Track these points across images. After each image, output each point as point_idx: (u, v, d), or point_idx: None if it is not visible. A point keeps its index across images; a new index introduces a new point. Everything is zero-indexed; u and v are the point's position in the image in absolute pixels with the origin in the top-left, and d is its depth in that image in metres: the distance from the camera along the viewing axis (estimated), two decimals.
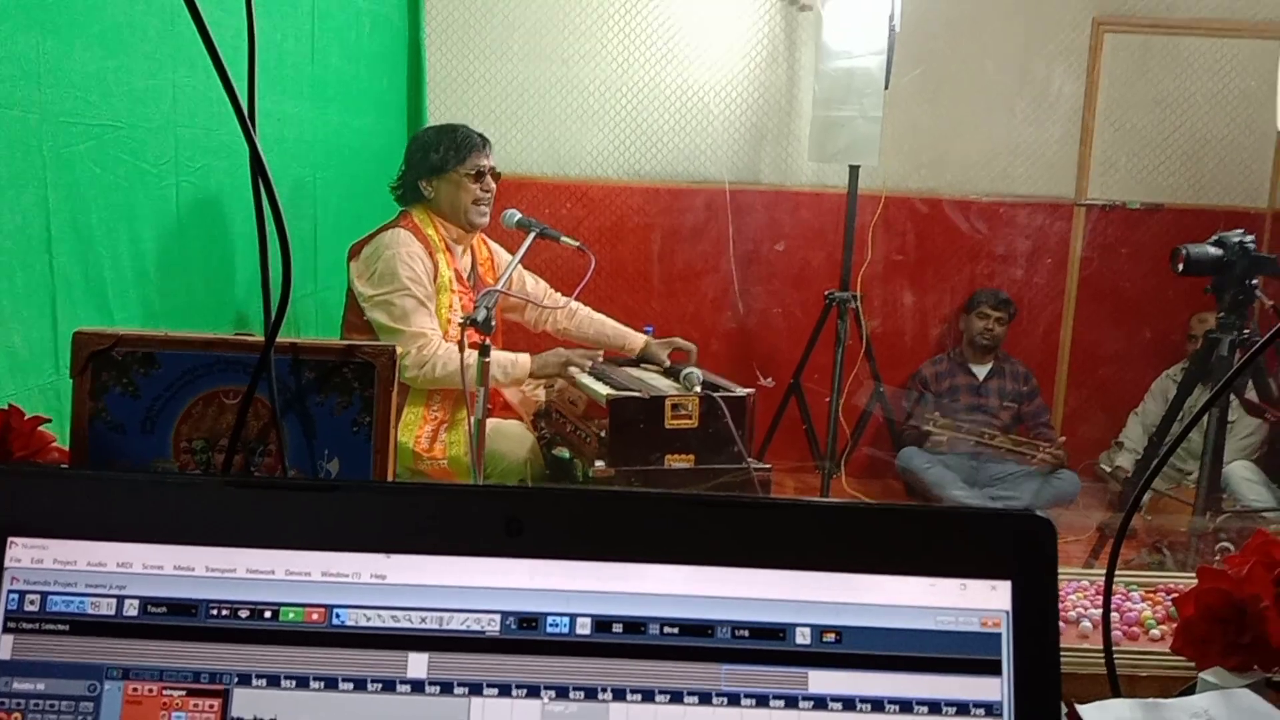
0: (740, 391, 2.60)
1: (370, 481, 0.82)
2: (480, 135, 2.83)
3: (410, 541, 0.44)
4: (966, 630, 0.45)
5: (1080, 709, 0.75)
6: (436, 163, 2.74)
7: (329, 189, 2.93)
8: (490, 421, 2.57)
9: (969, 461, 4.13)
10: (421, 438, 2.62)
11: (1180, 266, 2.74)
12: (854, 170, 3.74)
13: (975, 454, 4.12)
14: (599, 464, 2.47)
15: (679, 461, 2.53)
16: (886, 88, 3.50)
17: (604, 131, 4.29)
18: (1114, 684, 0.88)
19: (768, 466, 2.65)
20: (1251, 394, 2.87)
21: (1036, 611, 0.46)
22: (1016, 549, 0.46)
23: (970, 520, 0.47)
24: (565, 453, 2.68)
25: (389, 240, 2.66)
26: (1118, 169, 4.41)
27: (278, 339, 0.85)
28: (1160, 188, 4.41)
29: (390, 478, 0.89)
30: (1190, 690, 0.88)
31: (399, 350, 2.61)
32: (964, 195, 4.36)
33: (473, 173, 2.75)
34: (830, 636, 0.45)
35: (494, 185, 2.81)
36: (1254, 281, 2.75)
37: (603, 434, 2.50)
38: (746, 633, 0.45)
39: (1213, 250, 2.74)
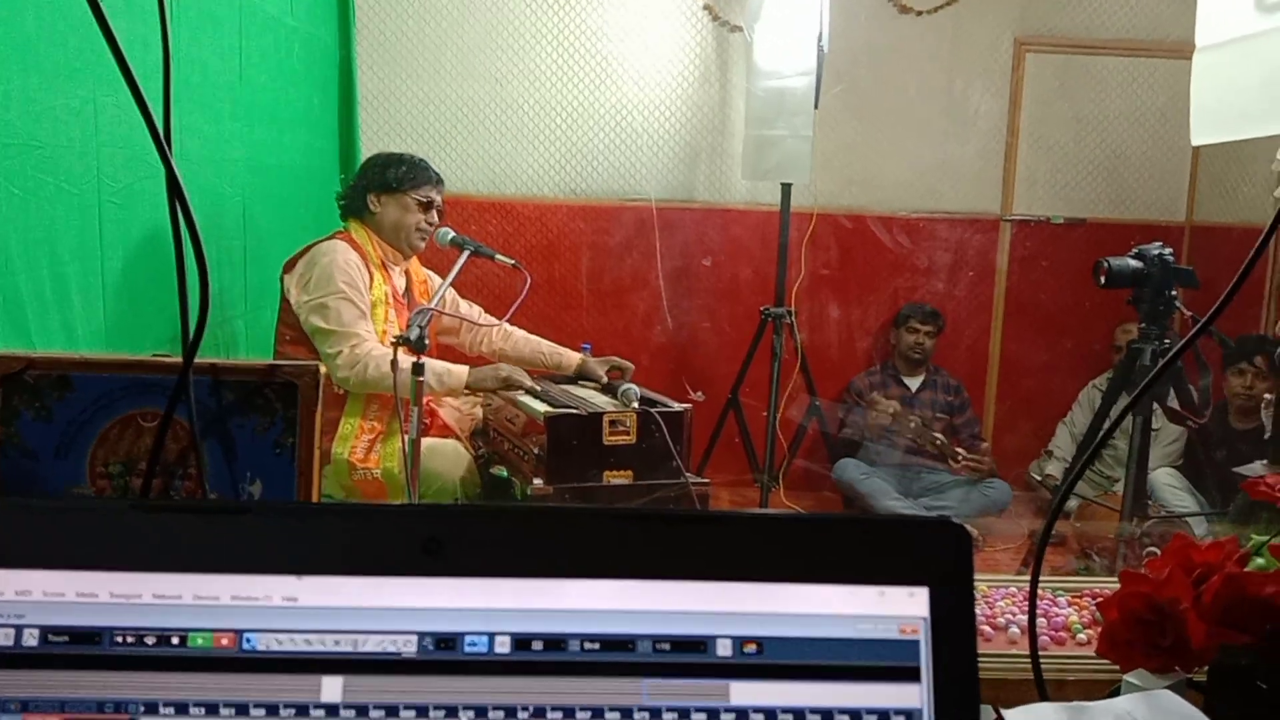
0: (677, 407, 2.61)
1: (282, 502, 0.80)
2: (437, 173, 2.87)
3: (324, 562, 0.43)
4: (885, 638, 0.46)
5: (1006, 714, 0.76)
6: (391, 180, 2.77)
7: (259, 208, 2.89)
8: (426, 440, 2.55)
9: (903, 472, 4.18)
10: (357, 449, 2.60)
11: (1102, 279, 2.81)
12: (786, 188, 3.78)
13: (909, 465, 4.18)
14: (537, 482, 2.46)
15: (617, 478, 2.52)
16: (816, 107, 3.55)
17: (539, 150, 4.29)
18: (1041, 688, 0.89)
19: (706, 481, 2.66)
20: (1173, 402, 2.94)
21: (954, 617, 0.46)
22: (933, 556, 0.47)
23: (887, 528, 0.47)
24: (503, 471, 2.66)
25: (326, 249, 2.68)
26: (1041, 185, 4.52)
27: (197, 360, 0.83)
28: (1082, 202, 4.54)
29: (315, 498, 0.87)
30: (1115, 693, 0.89)
31: (332, 350, 2.58)
32: (893, 212, 4.44)
33: (423, 200, 2.79)
34: (751, 647, 0.45)
35: (437, 220, 2.83)
36: (1173, 292, 2.83)
37: (540, 452, 2.49)
38: (668, 646, 0.45)
39: (1133, 263, 2.81)
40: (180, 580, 0.43)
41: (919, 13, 4.32)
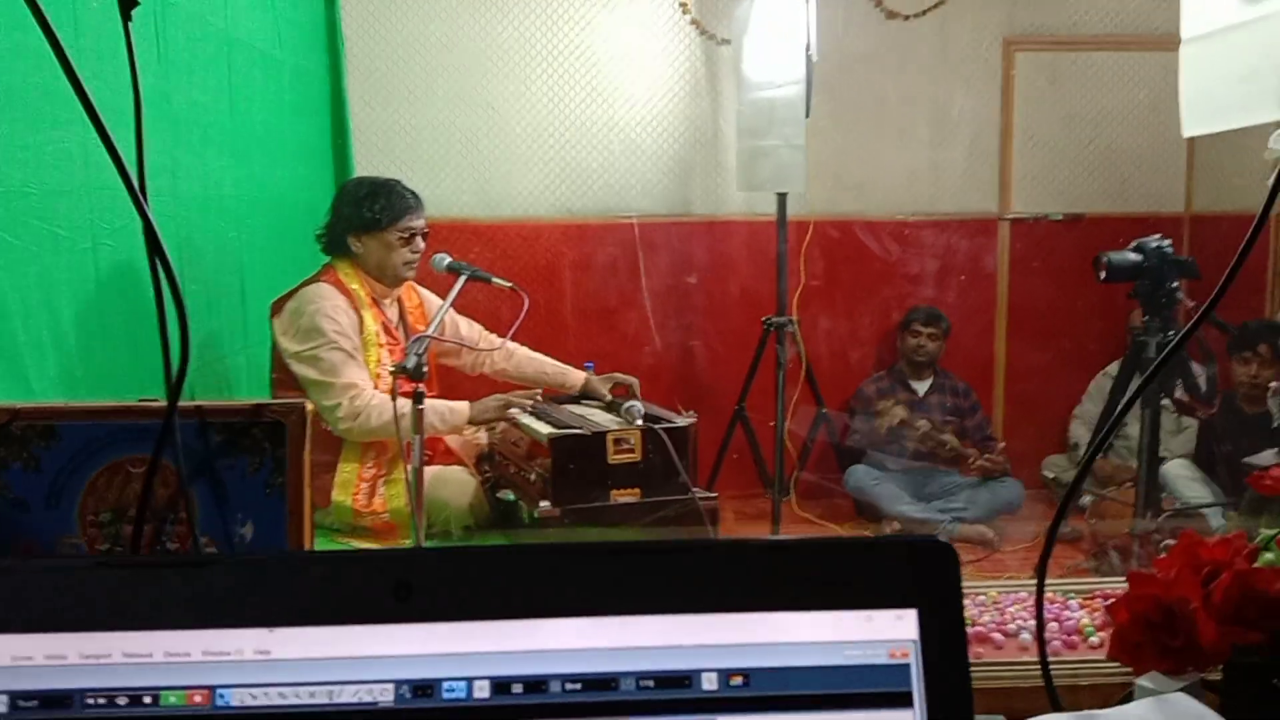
0: (681, 421, 2.59)
1: (248, 554, 0.79)
2: (413, 194, 2.76)
3: (295, 614, 0.43)
4: (875, 663, 0.45)
5: None
6: (368, 220, 2.68)
7: (255, 243, 2.89)
8: (431, 469, 2.53)
9: (915, 475, 4.16)
10: (359, 494, 2.57)
11: (1102, 274, 2.80)
12: (781, 198, 3.78)
13: (920, 468, 4.16)
14: (544, 504, 2.44)
15: (624, 496, 2.51)
16: (808, 116, 3.54)
17: (534, 171, 4.30)
18: (1052, 696, 0.87)
19: (713, 495, 2.64)
20: (1181, 394, 2.93)
21: (944, 638, 0.45)
22: (920, 576, 0.46)
23: (871, 550, 0.46)
24: (510, 495, 2.65)
25: (311, 295, 2.61)
26: (1037, 183, 4.51)
27: (183, 402, 0.82)
28: (1080, 198, 4.52)
29: (307, 538, 0.86)
30: (1129, 696, 0.88)
31: (330, 403, 2.55)
32: (890, 216, 4.43)
33: (404, 234, 2.70)
34: (737, 680, 0.44)
35: (423, 246, 2.75)
36: (1174, 284, 2.81)
37: (546, 474, 2.48)
38: (651, 682, 0.43)
39: (1133, 256, 2.80)
40: (150, 638, 0.42)
41: (906, 17, 4.32)
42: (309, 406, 0.87)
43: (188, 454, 0.85)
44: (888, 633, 0.45)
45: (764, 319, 3.91)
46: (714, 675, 0.44)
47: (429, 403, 2.23)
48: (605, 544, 0.44)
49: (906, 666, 0.45)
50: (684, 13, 4.26)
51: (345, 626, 0.43)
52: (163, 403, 0.83)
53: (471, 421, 2.67)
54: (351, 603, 0.43)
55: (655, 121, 4.32)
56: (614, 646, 0.43)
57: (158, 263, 0.78)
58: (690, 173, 4.38)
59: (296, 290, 2.65)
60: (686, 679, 0.44)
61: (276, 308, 2.67)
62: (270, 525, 0.86)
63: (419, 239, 2.74)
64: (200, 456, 0.86)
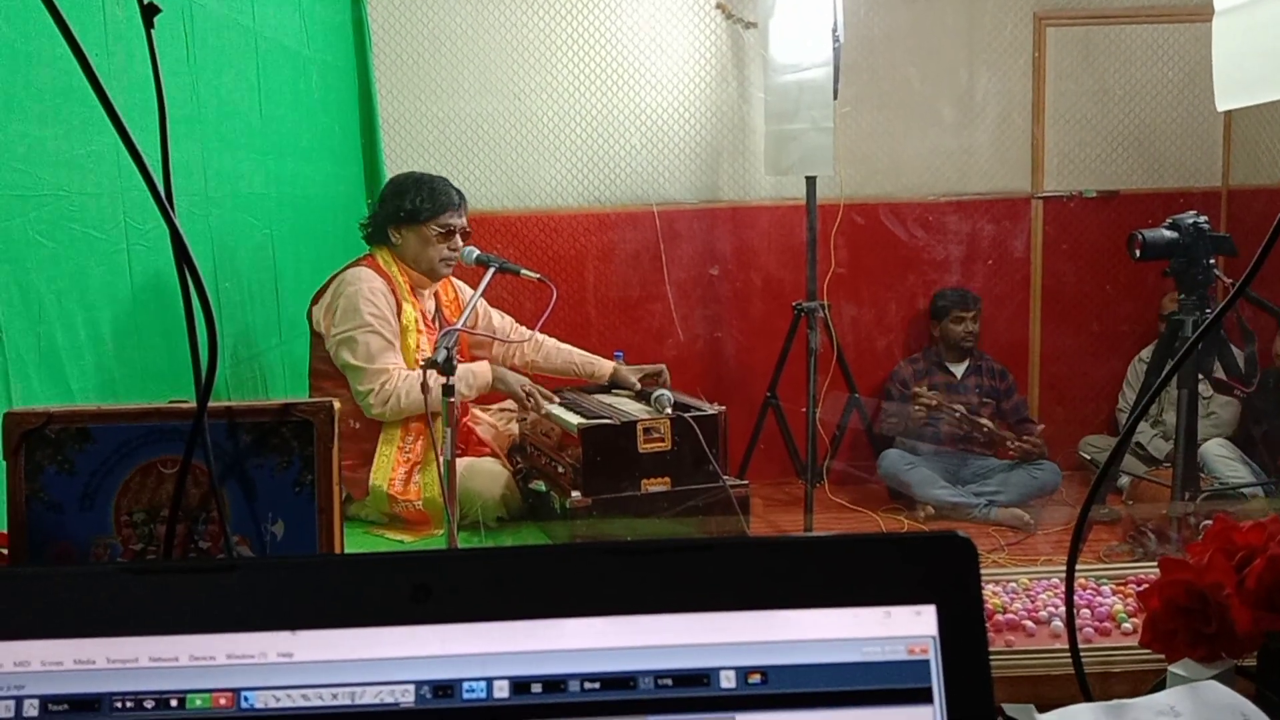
0: (711, 410, 2.59)
1: (270, 558, 0.80)
2: (458, 191, 2.81)
3: (316, 616, 0.43)
4: (894, 659, 0.44)
5: (1041, 718, 0.74)
6: (408, 211, 2.73)
7: (288, 240, 2.92)
8: (464, 460, 2.55)
9: (949, 459, 4.13)
10: (395, 480, 2.61)
11: (1137, 252, 2.76)
12: (811, 181, 3.76)
13: (955, 451, 4.13)
14: (575, 494, 2.46)
15: (655, 485, 2.52)
16: (835, 98, 3.51)
17: (561, 161, 4.30)
18: (1083, 685, 0.87)
19: (745, 483, 2.65)
20: (1219, 373, 2.88)
21: (964, 634, 0.45)
22: (938, 571, 0.45)
23: (889, 546, 0.46)
24: (541, 485, 2.66)
25: (350, 277, 2.67)
26: (1070, 160, 4.45)
27: (212, 403, 0.84)
28: (1114, 175, 4.46)
29: (337, 536, 0.88)
30: (1161, 684, 0.87)
31: (364, 388, 2.58)
32: (921, 198, 4.39)
33: (443, 230, 2.74)
34: (756, 678, 0.44)
35: (461, 244, 2.79)
36: (1211, 261, 2.77)
37: (577, 464, 2.49)
38: (670, 681, 0.44)
39: (1168, 234, 2.76)
40: (176, 642, 0.43)
41: None
42: (336, 405, 0.88)
43: (218, 454, 0.87)
44: (906, 629, 0.45)
45: (795, 304, 3.90)
46: (732, 673, 0.44)
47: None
48: (621, 543, 0.44)
49: (926, 663, 0.45)
50: None
51: (366, 628, 0.43)
52: (193, 404, 0.84)
53: (495, 384, 2.69)
54: (372, 604, 0.43)
55: (682, 108, 4.31)
56: (632, 645, 0.44)
57: (184, 268, 0.78)
58: (718, 158, 4.36)
59: (335, 276, 2.70)
60: (705, 677, 0.44)
61: (317, 296, 2.73)
62: (300, 523, 0.87)
63: (457, 236, 2.77)
64: (230, 456, 0.87)
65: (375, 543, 2.59)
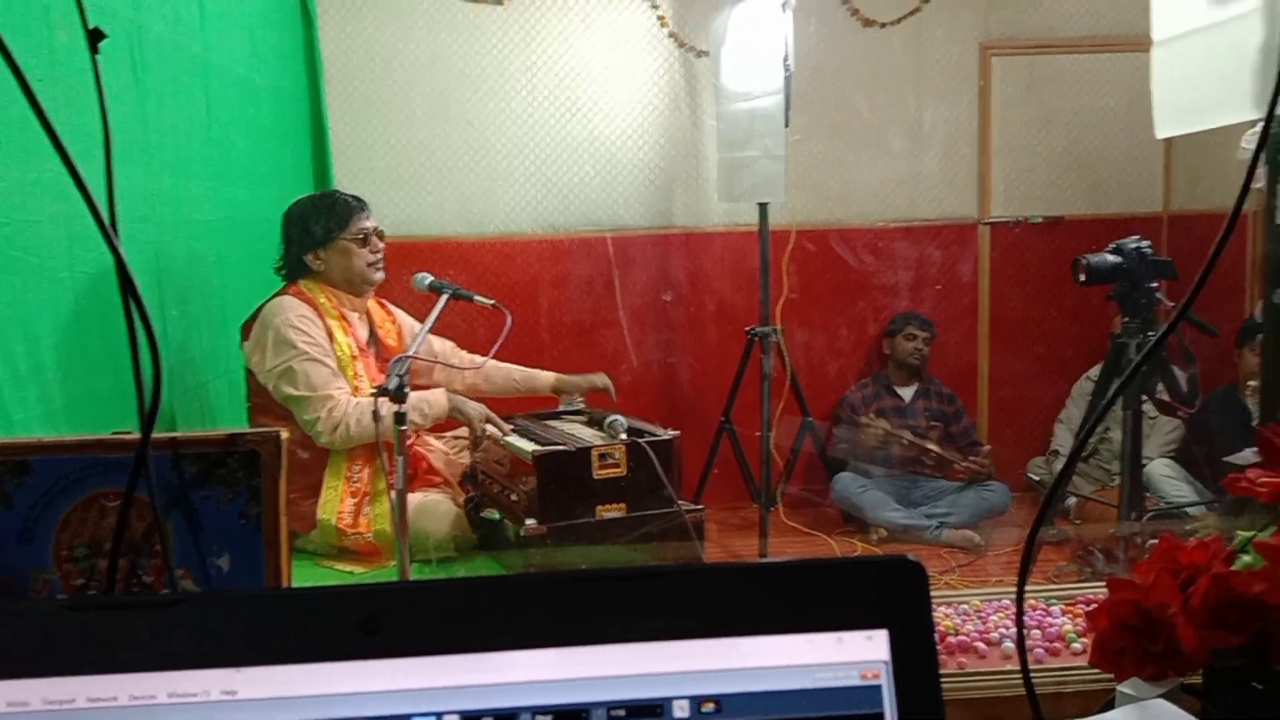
0: (666, 434, 2.59)
1: (214, 593, 0.78)
2: (355, 197, 2.78)
3: (261, 652, 0.42)
4: (846, 685, 0.45)
5: None
6: (320, 234, 2.69)
7: (236, 267, 2.88)
8: (414, 497, 2.52)
9: (900, 482, 4.17)
10: (344, 513, 2.56)
11: (1081, 276, 2.81)
12: (763, 208, 3.79)
13: (905, 474, 4.18)
14: (530, 522, 2.43)
15: (610, 511, 2.50)
16: (787, 126, 3.55)
17: (515, 188, 4.30)
18: (1034, 706, 0.87)
19: (700, 508, 2.63)
20: (1163, 394, 2.94)
21: (915, 657, 0.45)
22: (890, 596, 0.46)
23: (841, 570, 0.46)
24: (495, 514, 2.64)
25: (274, 308, 2.61)
26: (1017, 186, 4.54)
27: (156, 434, 0.82)
28: (1059, 201, 4.55)
29: (285, 568, 0.86)
30: (1111, 704, 0.88)
31: (310, 417, 2.53)
32: (871, 224, 4.46)
33: (359, 236, 2.71)
34: (709, 706, 0.44)
35: (381, 245, 2.76)
36: (1154, 285, 2.83)
37: (531, 491, 2.47)
38: (623, 711, 0.43)
39: (1111, 258, 2.82)
40: (115, 681, 0.42)
41: (882, 25, 4.35)
42: (284, 435, 0.87)
43: (162, 486, 0.85)
44: (859, 654, 0.45)
45: (748, 329, 3.92)
46: (685, 703, 0.44)
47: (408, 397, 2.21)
48: (573, 573, 0.44)
49: (878, 688, 0.45)
50: (662, 26, 4.28)
51: (313, 664, 0.42)
52: (136, 435, 0.82)
53: (451, 412, 2.65)
54: (319, 639, 0.43)
55: (636, 135, 4.33)
56: (584, 676, 0.43)
57: (128, 295, 0.77)
58: (671, 185, 4.39)
59: (260, 309, 2.64)
60: (658, 707, 0.43)
61: (245, 330, 2.66)
62: (247, 556, 0.85)
63: (374, 238, 2.74)
64: (175, 488, 0.85)
65: (325, 574, 2.55)
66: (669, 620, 0.44)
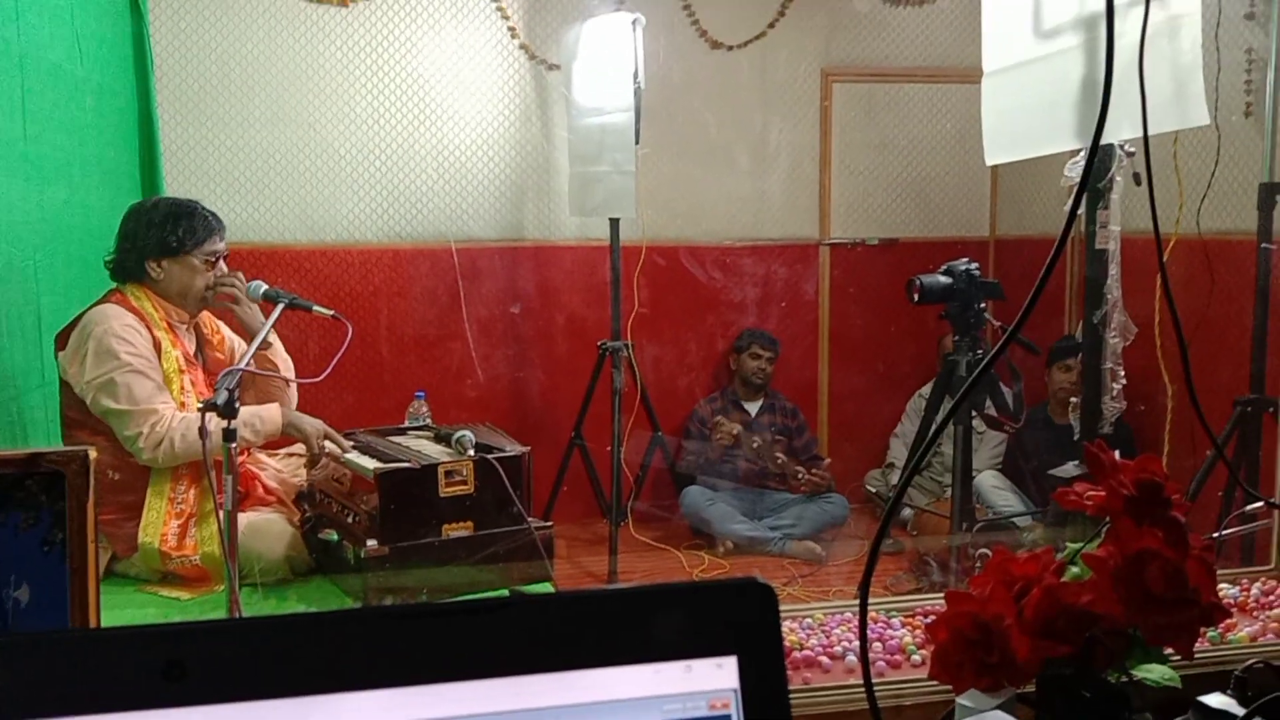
0: (514, 450, 2.54)
1: None
2: (215, 215, 2.65)
3: (50, 703, 0.37)
4: (695, 716, 0.43)
5: None
6: (172, 244, 2.55)
7: (54, 272, 2.68)
8: (245, 517, 2.38)
9: (746, 495, 4.24)
10: (168, 535, 2.40)
11: (915, 296, 2.92)
12: (614, 223, 3.80)
13: (752, 487, 4.25)
14: (371, 543, 2.34)
15: (457, 530, 2.44)
16: (637, 142, 3.57)
17: (357, 195, 4.18)
18: (877, 719, 0.88)
19: (549, 525, 2.60)
20: (991, 410, 3.08)
21: (765, 683, 0.44)
22: (739, 620, 0.44)
23: (689, 595, 0.44)
24: (333, 535, 2.53)
25: (96, 316, 2.44)
26: (855, 209, 4.71)
27: None
28: (894, 224, 4.74)
29: (93, 600, 0.79)
30: (950, 716, 0.89)
31: (131, 432, 2.37)
32: (718, 241, 4.54)
33: (209, 257, 2.59)
34: None
35: (225, 270, 2.65)
36: (982, 305, 2.97)
37: (373, 511, 2.38)
38: None
39: (943, 279, 2.94)
40: None
41: (730, 47, 4.44)
42: (92, 454, 0.79)
43: None
44: (708, 683, 0.43)
45: (599, 343, 3.91)
46: None
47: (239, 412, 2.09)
48: (403, 607, 0.41)
49: (728, 718, 0.43)
50: (512, 37, 4.25)
51: (110, 715, 0.38)
52: None
53: (286, 429, 2.53)
54: (117, 687, 0.38)
55: (486, 145, 4.28)
56: (420, 719, 0.40)
57: None
58: (522, 198, 4.35)
59: (80, 317, 2.47)
60: None
61: (61, 339, 2.48)
62: (49, 586, 0.78)
63: (221, 263, 2.62)
64: None
65: (146, 601, 2.39)
66: (511, 655, 0.41)
